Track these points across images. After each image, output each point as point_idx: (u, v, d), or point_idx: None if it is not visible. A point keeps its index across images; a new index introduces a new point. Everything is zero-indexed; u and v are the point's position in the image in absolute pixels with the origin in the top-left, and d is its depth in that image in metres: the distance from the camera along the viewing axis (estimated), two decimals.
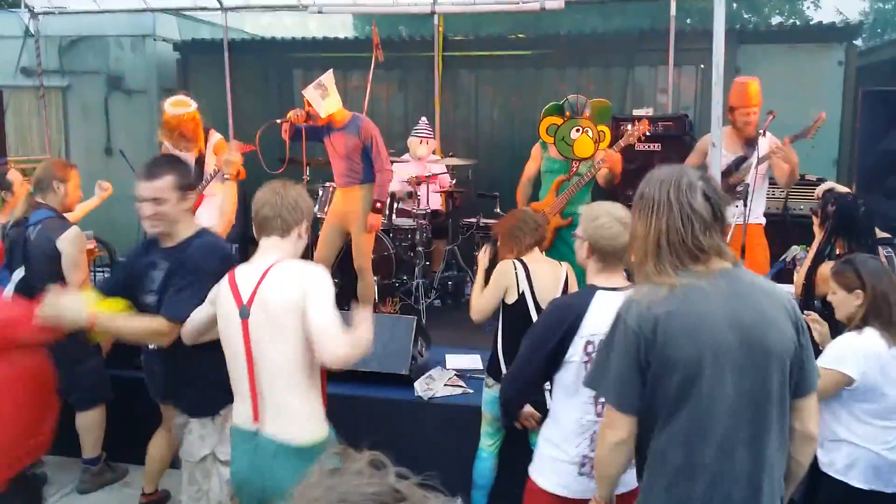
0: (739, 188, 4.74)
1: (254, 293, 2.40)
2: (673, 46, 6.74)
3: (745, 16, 15.39)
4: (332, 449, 0.92)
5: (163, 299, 2.78)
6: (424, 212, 5.93)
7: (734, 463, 1.86)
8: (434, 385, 4.03)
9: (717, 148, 3.41)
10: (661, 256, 1.90)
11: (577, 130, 4.86)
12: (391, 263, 5.89)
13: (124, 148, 6.85)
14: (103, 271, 6.00)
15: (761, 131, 4.84)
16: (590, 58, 7.60)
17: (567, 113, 4.91)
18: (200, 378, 2.81)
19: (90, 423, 4.07)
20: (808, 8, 16.58)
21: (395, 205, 6.11)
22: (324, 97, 5.03)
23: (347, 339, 2.28)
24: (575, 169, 4.95)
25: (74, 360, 3.96)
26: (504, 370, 3.17)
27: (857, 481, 2.68)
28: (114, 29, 8.61)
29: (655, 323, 1.85)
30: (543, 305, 3.24)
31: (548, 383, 2.74)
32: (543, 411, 3.22)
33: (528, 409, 3.01)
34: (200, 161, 5.06)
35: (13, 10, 7.57)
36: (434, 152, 6.70)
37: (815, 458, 2.63)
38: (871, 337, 2.67)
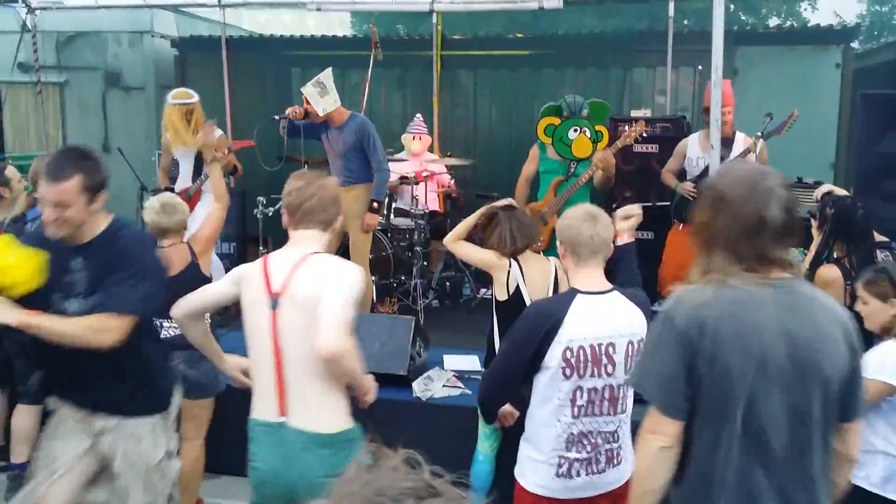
0: None
1: (286, 283, 2.34)
2: (671, 48, 6.76)
3: (743, 18, 15.41)
4: (368, 446, 0.95)
5: (94, 300, 2.48)
6: (423, 212, 5.93)
7: (776, 480, 1.77)
8: (432, 386, 4.04)
9: (716, 150, 3.41)
10: (721, 255, 1.80)
11: (575, 130, 4.87)
12: (389, 263, 5.89)
13: (122, 145, 6.84)
14: None
15: (759, 133, 4.88)
16: (588, 58, 7.61)
17: (565, 113, 4.92)
18: (149, 373, 2.69)
19: None
20: (805, 10, 16.62)
21: (393, 203, 6.11)
22: (322, 95, 5.03)
23: (347, 337, 2.23)
24: (573, 169, 4.96)
25: None
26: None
27: (894, 494, 2.60)
28: (111, 25, 8.59)
29: (704, 324, 1.75)
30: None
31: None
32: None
33: (506, 407, 2.97)
34: (200, 157, 5.07)
35: (10, 4, 7.53)
36: (431, 150, 6.70)
37: None
38: None
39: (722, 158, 4.94)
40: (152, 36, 8.67)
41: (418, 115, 6.67)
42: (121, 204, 7.51)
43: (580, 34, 9.03)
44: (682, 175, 5.38)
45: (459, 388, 4.03)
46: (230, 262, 6.52)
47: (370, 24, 6.77)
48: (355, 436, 2.39)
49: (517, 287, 3.27)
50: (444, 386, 4.04)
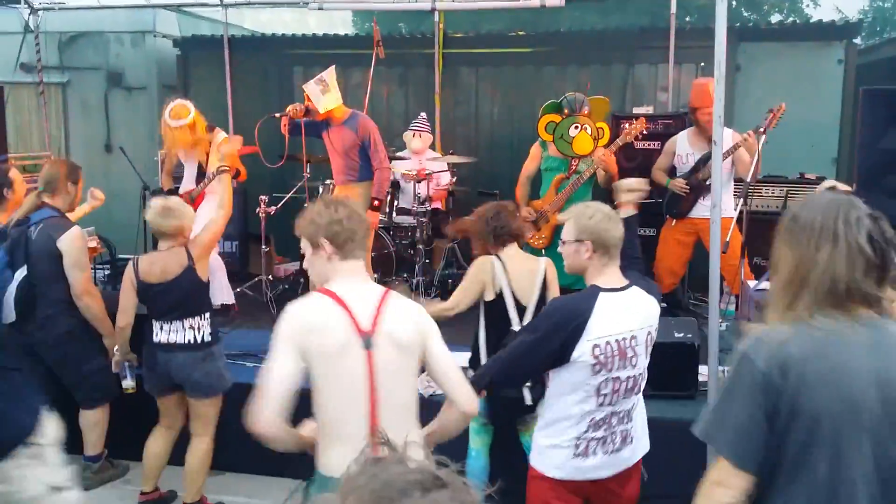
0: (708, 183, 4.84)
1: (376, 322, 2.17)
2: (673, 44, 6.75)
3: (745, 14, 15.38)
4: (372, 439, 0.96)
5: None
6: (425, 210, 5.94)
7: None
8: (434, 383, 4.04)
9: (719, 146, 3.40)
10: (806, 291, 1.66)
11: (576, 128, 4.87)
12: (391, 261, 5.89)
13: (124, 144, 6.84)
14: (104, 268, 6.01)
15: (761, 129, 4.87)
16: (590, 55, 7.60)
17: (566, 110, 4.92)
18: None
19: (94, 422, 4.08)
20: (808, 6, 16.58)
21: (395, 202, 6.11)
22: (324, 92, 5.04)
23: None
24: (574, 167, 4.96)
25: (80, 359, 3.98)
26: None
27: None
28: (113, 25, 8.60)
29: (788, 366, 1.61)
30: (522, 300, 3.32)
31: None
32: (520, 408, 3.26)
33: None
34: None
35: (12, 5, 7.54)
36: (432, 147, 6.70)
37: None
38: None
39: (710, 156, 5.00)
40: (154, 36, 8.68)
41: (422, 113, 6.67)
42: (123, 204, 7.52)
43: (582, 31, 9.02)
44: (671, 172, 5.42)
45: None
46: (232, 260, 6.54)
47: (372, 23, 6.76)
48: None
49: (501, 287, 3.30)
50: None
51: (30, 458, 2.52)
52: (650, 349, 2.57)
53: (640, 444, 2.67)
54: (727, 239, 4.30)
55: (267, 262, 6.18)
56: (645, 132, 5.15)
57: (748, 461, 1.65)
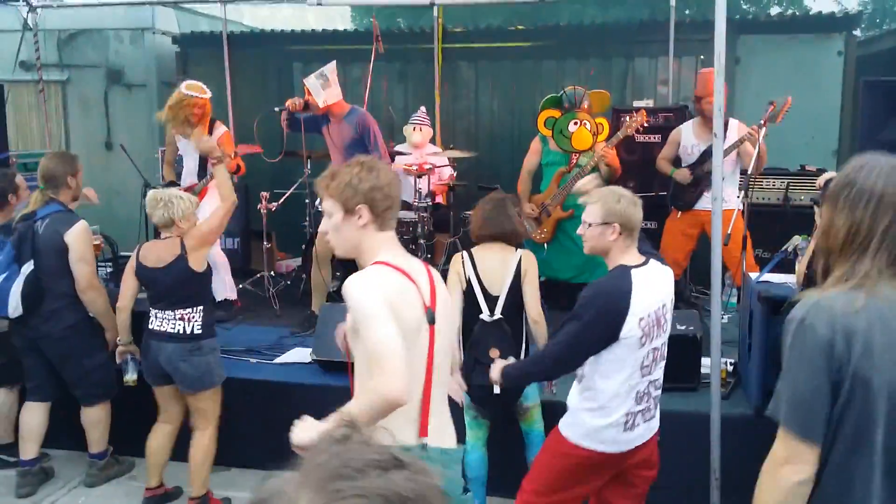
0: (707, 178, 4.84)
1: (433, 294, 2.13)
2: (673, 37, 6.74)
3: (744, 6, 15.35)
4: (340, 420, 0.97)
5: None
6: (426, 204, 5.94)
7: None
8: None
9: (719, 137, 3.41)
10: (869, 258, 1.58)
11: (575, 123, 4.88)
12: None
13: (124, 142, 6.84)
14: (106, 266, 6.02)
15: (762, 122, 4.88)
16: (589, 49, 7.59)
17: (565, 105, 4.92)
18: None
19: (96, 418, 4.09)
20: None
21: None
22: (324, 87, 5.05)
23: None
24: (575, 161, 4.97)
25: (83, 354, 4.00)
26: (459, 355, 3.21)
27: None
28: (112, 22, 8.59)
29: (852, 332, 1.53)
30: (491, 290, 3.40)
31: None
32: (510, 397, 3.37)
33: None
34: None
35: (11, 3, 7.53)
36: (433, 141, 6.70)
37: None
38: None
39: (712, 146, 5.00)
40: (153, 33, 8.67)
41: (422, 107, 6.67)
42: (124, 200, 7.54)
43: (581, 25, 9.01)
44: (676, 163, 5.40)
45: None
46: (233, 256, 6.55)
47: (371, 18, 6.75)
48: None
49: (469, 278, 3.43)
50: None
51: None
52: (671, 317, 2.77)
53: (658, 413, 2.84)
54: (728, 231, 4.31)
55: (268, 257, 6.19)
56: (646, 125, 5.15)
57: (815, 432, 1.56)
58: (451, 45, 7.61)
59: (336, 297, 4.91)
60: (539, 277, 3.53)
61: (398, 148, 6.40)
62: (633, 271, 2.63)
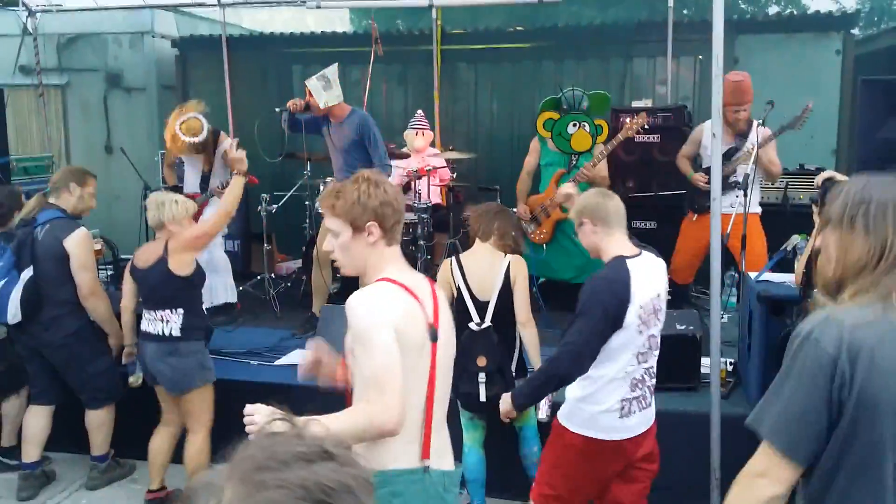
0: (732, 179, 4.82)
1: (436, 310, 2.10)
2: (671, 37, 6.75)
3: (742, 5, 15.36)
4: (278, 414, 0.98)
5: None
6: (425, 205, 5.95)
7: None
8: None
9: (717, 138, 3.42)
10: (886, 273, 1.52)
11: (574, 125, 4.89)
12: None
13: (124, 145, 6.85)
14: (106, 269, 6.03)
15: (760, 120, 4.88)
16: (588, 50, 7.60)
17: (564, 107, 4.93)
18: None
19: (100, 422, 4.10)
20: None
21: None
22: (326, 89, 5.06)
23: None
24: (574, 162, 4.98)
25: (86, 360, 4.00)
26: None
27: None
28: (112, 26, 8.60)
29: (858, 347, 1.46)
30: (480, 296, 3.41)
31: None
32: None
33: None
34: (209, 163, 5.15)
35: (10, 8, 7.55)
36: (433, 144, 6.71)
37: None
38: None
39: (736, 149, 4.97)
40: (153, 36, 8.68)
41: (420, 111, 6.68)
42: (124, 204, 7.55)
43: (580, 26, 9.02)
44: (694, 162, 5.36)
45: None
46: (234, 259, 6.56)
47: (370, 20, 6.76)
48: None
49: (458, 285, 3.46)
50: None
51: None
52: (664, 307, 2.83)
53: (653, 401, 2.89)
54: (734, 232, 4.31)
55: (269, 259, 6.20)
56: (646, 127, 5.15)
57: (800, 451, 1.52)
58: (450, 47, 7.62)
59: (337, 298, 4.92)
60: (539, 279, 3.55)
61: (397, 151, 6.40)
62: (628, 261, 2.69)
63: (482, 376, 3.34)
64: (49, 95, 8.36)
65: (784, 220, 5.39)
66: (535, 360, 3.41)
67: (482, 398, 3.28)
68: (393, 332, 1.93)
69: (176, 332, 3.64)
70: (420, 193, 5.99)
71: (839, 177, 3.58)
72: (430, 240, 6.10)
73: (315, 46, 8.18)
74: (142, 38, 8.70)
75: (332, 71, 5.11)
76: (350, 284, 5.52)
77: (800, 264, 3.48)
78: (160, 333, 3.65)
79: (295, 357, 4.61)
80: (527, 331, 3.45)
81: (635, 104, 6.52)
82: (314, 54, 7.82)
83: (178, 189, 5.30)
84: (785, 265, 4.04)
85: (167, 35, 8.70)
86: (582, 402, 2.76)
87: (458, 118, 7.95)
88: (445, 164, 6.49)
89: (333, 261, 2.22)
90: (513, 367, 3.52)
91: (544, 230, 5.20)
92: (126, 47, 8.79)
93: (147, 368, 3.74)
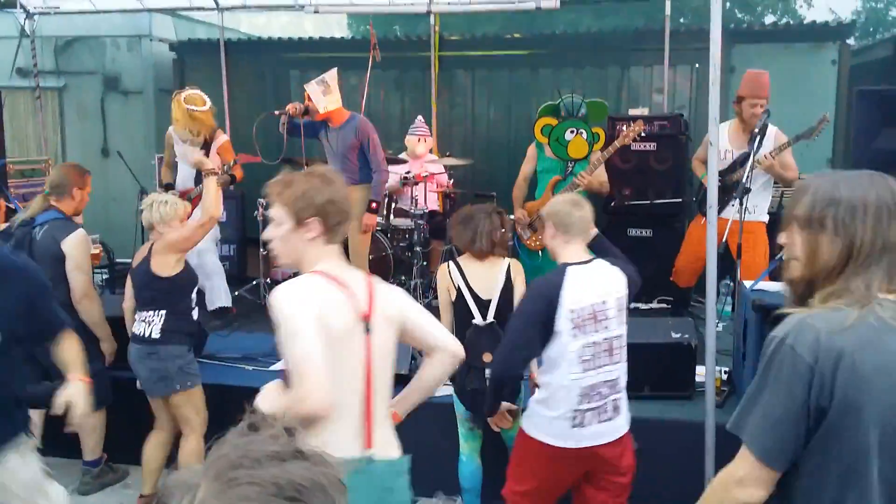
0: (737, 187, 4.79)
1: (371, 304, 2.11)
2: (668, 46, 6.77)
3: (739, 15, 15.44)
4: (251, 416, 0.98)
5: None
6: (422, 212, 5.95)
7: None
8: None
9: (714, 147, 3.43)
10: (862, 274, 1.49)
11: (572, 132, 4.89)
12: (389, 263, 5.90)
13: (121, 148, 6.83)
14: (102, 272, 6.01)
15: (755, 130, 4.87)
16: (585, 57, 7.63)
17: (562, 113, 4.94)
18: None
19: (91, 426, 4.08)
20: (801, 7, 16.65)
21: (394, 204, 6.12)
22: (325, 93, 5.08)
23: None
24: (570, 169, 4.98)
25: None
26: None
27: None
28: (109, 29, 8.60)
29: (839, 354, 1.43)
30: (482, 295, 3.41)
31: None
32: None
33: (504, 405, 3.14)
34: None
35: (8, 10, 7.54)
36: (431, 151, 6.72)
37: None
38: None
39: (749, 153, 4.93)
40: (150, 40, 8.69)
41: (420, 117, 6.69)
42: (120, 207, 7.53)
43: (577, 33, 9.05)
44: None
45: None
46: (230, 264, 6.55)
47: (368, 26, 6.78)
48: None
49: (459, 285, 3.43)
50: (445, 385, 4.04)
51: (27, 443, 2.60)
52: (623, 314, 2.82)
53: (628, 416, 2.87)
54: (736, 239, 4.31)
55: (264, 264, 6.19)
56: (643, 134, 5.15)
57: (778, 458, 1.50)
58: (448, 53, 7.64)
59: None
60: None
61: (396, 157, 6.41)
62: (569, 268, 2.75)
63: (489, 372, 3.31)
64: (46, 98, 8.35)
65: (779, 228, 5.40)
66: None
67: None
68: (312, 321, 1.94)
69: (156, 335, 3.64)
70: (416, 200, 6.00)
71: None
72: (427, 246, 6.10)
73: (313, 51, 8.19)
74: (139, 41, 8.70)
75: (332, 76, 5.12)
76: None
77: None
78: (141, 334, 3.67)
79: None
80: None
81: (632, 112, 6.54)
82: (312, 59, 7.83)
83: (171, 187, 5.30)
84: (780, 272, 4.04)
85: (165, 39, 8.71)
86: (539, 406, 2.82)
87: (455, 124, 7.96)
88: (443, 171, 6.50)
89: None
90: None
91: (540, 236, 5.20)
92: (124, 50, 8.79)
93: (133, 370, 3.74)
